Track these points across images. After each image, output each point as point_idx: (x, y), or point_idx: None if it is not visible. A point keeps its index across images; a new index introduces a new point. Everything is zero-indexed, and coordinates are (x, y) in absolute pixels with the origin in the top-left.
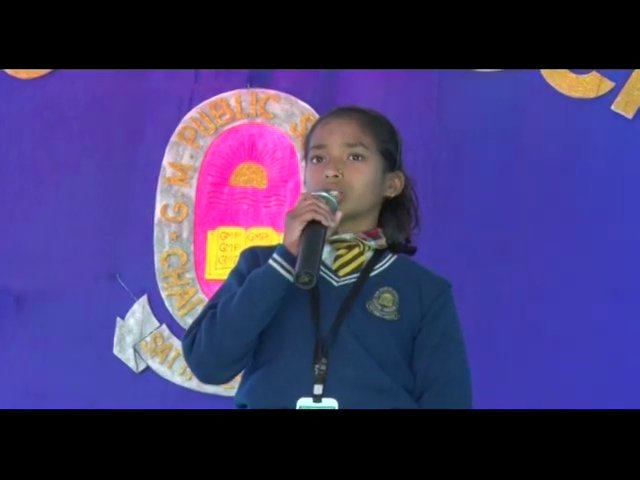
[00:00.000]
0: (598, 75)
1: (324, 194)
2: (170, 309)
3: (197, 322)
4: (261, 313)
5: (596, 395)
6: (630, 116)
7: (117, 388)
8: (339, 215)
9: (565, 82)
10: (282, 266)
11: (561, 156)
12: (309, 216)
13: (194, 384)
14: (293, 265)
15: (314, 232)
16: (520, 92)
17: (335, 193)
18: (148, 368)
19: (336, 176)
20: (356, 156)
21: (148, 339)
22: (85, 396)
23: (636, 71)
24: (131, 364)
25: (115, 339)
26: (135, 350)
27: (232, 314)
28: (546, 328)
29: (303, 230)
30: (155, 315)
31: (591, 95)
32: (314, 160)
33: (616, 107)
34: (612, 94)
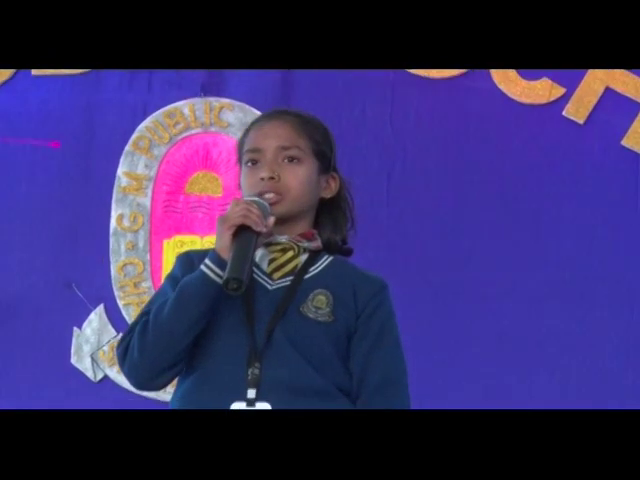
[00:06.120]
0: (549, 81)
1: (257, 199)
2: (127, 318)
3: (131, 329)
4: (193, 319)
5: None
6: (581, 122)
7: (75, 397)
8: (272, 220)
9: (516, 88)
10: (213, 271)
11: (514, 161)
12: (239, 221)
13: (152, 393)
14: (224, 269)
15: (244, 238)
16: (472, 99)
17: (269, 196)
18: (106, 377)
19: (272, 178)
20: (291, 158)
21: (105, 348)
22: (43, 406)
23: (587, 77)
24: (89, 373)
25: (72, 349)
26: (93, 359)
27: (164, 321)
28: (495, 333)
29: (234, 235)
30: (112, 324)
31: (542, 101)
32: (249, 163)
33: (567, 113)
34: (563, 100)
